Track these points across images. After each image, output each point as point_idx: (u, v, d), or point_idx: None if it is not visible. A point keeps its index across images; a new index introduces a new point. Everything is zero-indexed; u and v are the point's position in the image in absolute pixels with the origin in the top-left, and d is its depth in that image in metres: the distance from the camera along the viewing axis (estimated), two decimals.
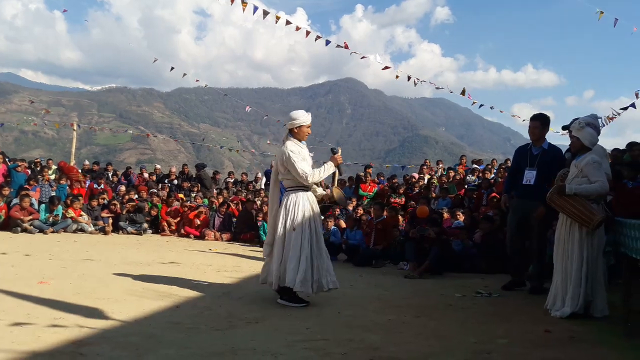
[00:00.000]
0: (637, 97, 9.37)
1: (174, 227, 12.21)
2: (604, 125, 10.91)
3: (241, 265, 7.49)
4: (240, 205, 12.49)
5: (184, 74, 17.16)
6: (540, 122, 5.88)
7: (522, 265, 6.09)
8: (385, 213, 9.14)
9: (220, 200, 12.85)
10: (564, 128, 6.13)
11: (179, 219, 12.30)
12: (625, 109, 9.66)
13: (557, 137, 9.98)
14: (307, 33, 11.21)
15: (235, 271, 6.98)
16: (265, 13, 10.85)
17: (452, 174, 12.88)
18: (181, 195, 13.65)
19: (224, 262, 7.77)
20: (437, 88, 12.23)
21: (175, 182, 15.49)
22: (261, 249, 9.97)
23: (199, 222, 12.00)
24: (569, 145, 5.21)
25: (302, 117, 5.05)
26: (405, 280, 6.88)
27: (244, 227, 11.62)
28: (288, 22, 11.36)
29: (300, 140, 5.05)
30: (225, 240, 11.40)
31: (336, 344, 3.59)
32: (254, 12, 10.86)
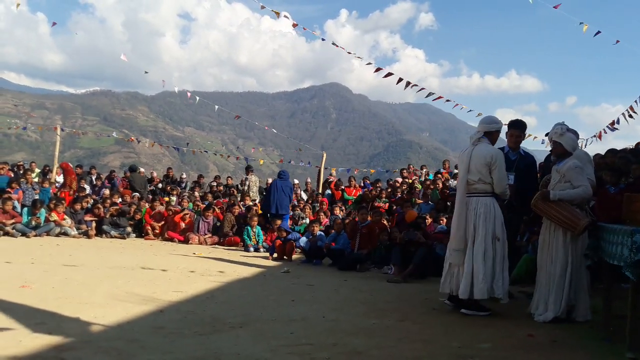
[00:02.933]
0: (616, 124, 9.60)
1: (158, 231, 12.11)
2: (587, 141, 11.14)
3: (225, 270, 7.46)
4: (225, 209, 12.43)
5: (163, 81, 16.97)
6: (521, 130, 5.96)
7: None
8: (369, 217, 9.17)
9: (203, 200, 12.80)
10: (547, 135, 6.21)
11: (163, 222, 12.21)
12: (612, 128, 9.87)
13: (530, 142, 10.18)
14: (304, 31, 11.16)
15: (220, 275, 6.95)
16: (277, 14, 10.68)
17: (438, 177, 12.95)
18: (166, 199, 13.58)
19: (208, 267, 7.73)
20: (430, 94, 12.23)
21: (160, 185, 15.40)
22: (246, 253, 10.06)
23: (183, 226, 11.92)
24: (550, 151, 5.29)
25: (500, 122, 5.14)
26: (390, 284, 6.90)
27: (229, 231, 11.57)
28: (295, 25, 11.21)
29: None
30: (210, 245, 11.34)
31: (320, 348, 3.60)
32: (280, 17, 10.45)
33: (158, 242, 11.53)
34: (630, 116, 8.74)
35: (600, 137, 10.20)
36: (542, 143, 11.44)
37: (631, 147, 9.05)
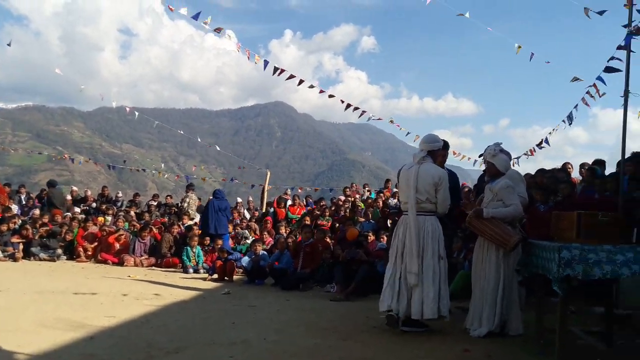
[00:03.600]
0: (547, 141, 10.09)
1: (90, 253, 11.61)
2: (519, 159, 11.64)
3: (162, 293, 7.23)
4: (163, 229, 12.09)
5: (101, 96, 16.47)
6: (446, 150, 6.15)
7: None
8: (313, 236, 9.16)
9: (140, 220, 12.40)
10: (480, 156, 6.45)
11: (96, 243, 11.73)
12: (540, 146, 10.36)
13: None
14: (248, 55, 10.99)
15: (156, 299, 6.73)
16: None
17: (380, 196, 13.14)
18: (101, 219, 13.06)
19: (143, 290, 7.47)
20: (371, 118, 12.45)
21: (94, 204, 14.80)
22: (185, 275, 9.80)
23: (118, 247, 11.48)
24: (483, 171, 5.48)
25: (441, 140, 5.21)
26: (332, 303, 6.89)
27: (167, 252, 11.24)
28: (239, 46, 11.05)
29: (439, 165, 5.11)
30: (146, 266, 10.96)
31: None
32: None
33: (90, 265, 11.04)
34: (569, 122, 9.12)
35: (532, 153, 10.67)
36: (474, 164, 11.89)
37: (559, 167, 9.51)
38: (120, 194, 16.65)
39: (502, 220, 4.72)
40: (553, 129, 9.24)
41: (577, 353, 4.06)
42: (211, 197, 11.86)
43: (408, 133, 12.81)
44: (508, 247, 4.61)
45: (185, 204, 13.75)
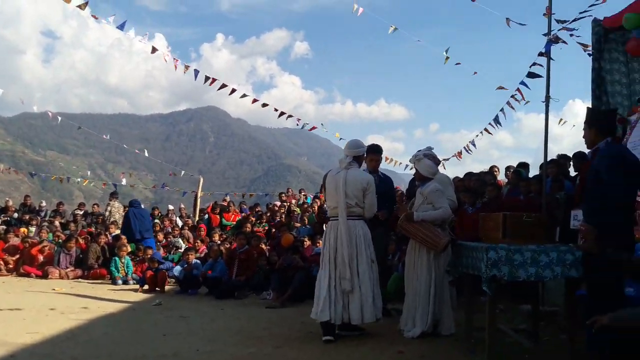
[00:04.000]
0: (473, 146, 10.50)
1: (12, 266, 10.91)
2: (446, 160, 12.06)
3: (90, 306, 6.89)
4: (90, 239, 11.55)
5: (22, 101, 15.52)
6: (379, 154, 6.26)
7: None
8: (248, 243, 9.03)
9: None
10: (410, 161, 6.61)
11: (18, 256, 11.04)
12: (467, 150, 10.78)
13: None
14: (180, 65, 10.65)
15: (83, 312, 6.40)
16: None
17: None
18: (23, 230, 12.32)
19: (69, 303, 7.10)
20: (303, 126, 12.44)
21: (15, 215, 13.95)
22: (114, 286, 9.39)
23: (42, 259, 10.86)
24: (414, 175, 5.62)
25: (364, 146, 5.24)
26: (268, 310, 6.81)
27: (94, 263, 10.75)
28: (166, 56, 10.67)
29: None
30: (73, 279, 10.43)
31: None
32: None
33: (12, 279, 10.37)
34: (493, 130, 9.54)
35: (460, 155, 11.08)
36: (405, 169, 12.20)
37: (486, 170, 9.90)
38: (44, 204, 15.76)
39: (432, 223, 4.84)
40: (480, 132, 9.62)
41: (506, 350, 4.20)
42: (127, 207, 11.78)
43: (341, 139, 12.92)
44: (438, 249, 4.73)
45: (108, 213, 13.23)
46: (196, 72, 10.57)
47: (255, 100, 11.39)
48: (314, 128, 13.10)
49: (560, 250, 3.76)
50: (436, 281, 4.83)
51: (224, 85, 10.72)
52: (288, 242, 9.07)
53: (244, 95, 10.98)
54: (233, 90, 10.93)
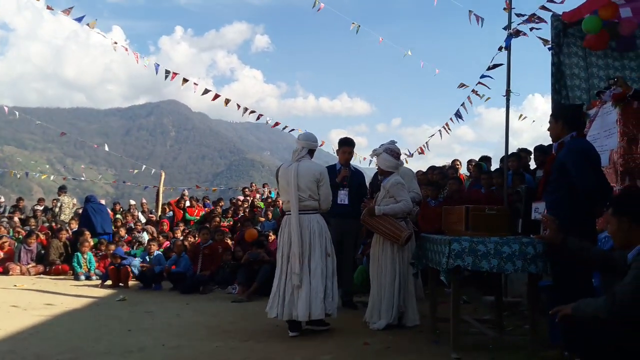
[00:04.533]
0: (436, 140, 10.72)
1: None
2: (410, 155, 12.26)
3: (52, 302, 6.72)
4: (50, 235, 11.25)
5: None
6: (352, 147, 6.30)
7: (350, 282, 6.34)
8: (212, 237, 8.97)
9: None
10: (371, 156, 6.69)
11: None
12: (427, 146, 11.02)
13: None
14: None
15: (46, 309, 6.24)
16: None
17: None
18: None
19: (31, 300, 6.91)
20: (268, 122, 12.36)
21: None
22: (76, 282, 9.18)
23: (2, 255, 10.53)
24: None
25: (318, 141, 5.15)
26: (234, 304, 6.79)
27: (55, 259, 10.48)
28: (126, 49, 10.38)
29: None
30: (34, 275, 10.14)
31: None
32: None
33: None
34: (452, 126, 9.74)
35: (422, 151, 11.29)
36: (370, 164, 12.34)
37: (448, 164, 10.11)
38: (2, 199, 15.20)
39: (394, 216, 4.91)
40: (442, 127, 9.79)
41: (470, 340, 4.30)
42: (85, 203, 11.62)
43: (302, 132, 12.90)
44: (400, 242, 4.81)
45: (57, 209, 12.89)
46: (157, 66, 10.37)
47: (217, 96, 11.23)
48: (277, 124, 12.99)
49: (522, 243, 3.82)
50: (401, 274, 4.90)
51: (185, 80, 10.55)
52: (252, 237, 9.06)
53: (206, 91, 10.80)
54: (195, 85, 10.75)
